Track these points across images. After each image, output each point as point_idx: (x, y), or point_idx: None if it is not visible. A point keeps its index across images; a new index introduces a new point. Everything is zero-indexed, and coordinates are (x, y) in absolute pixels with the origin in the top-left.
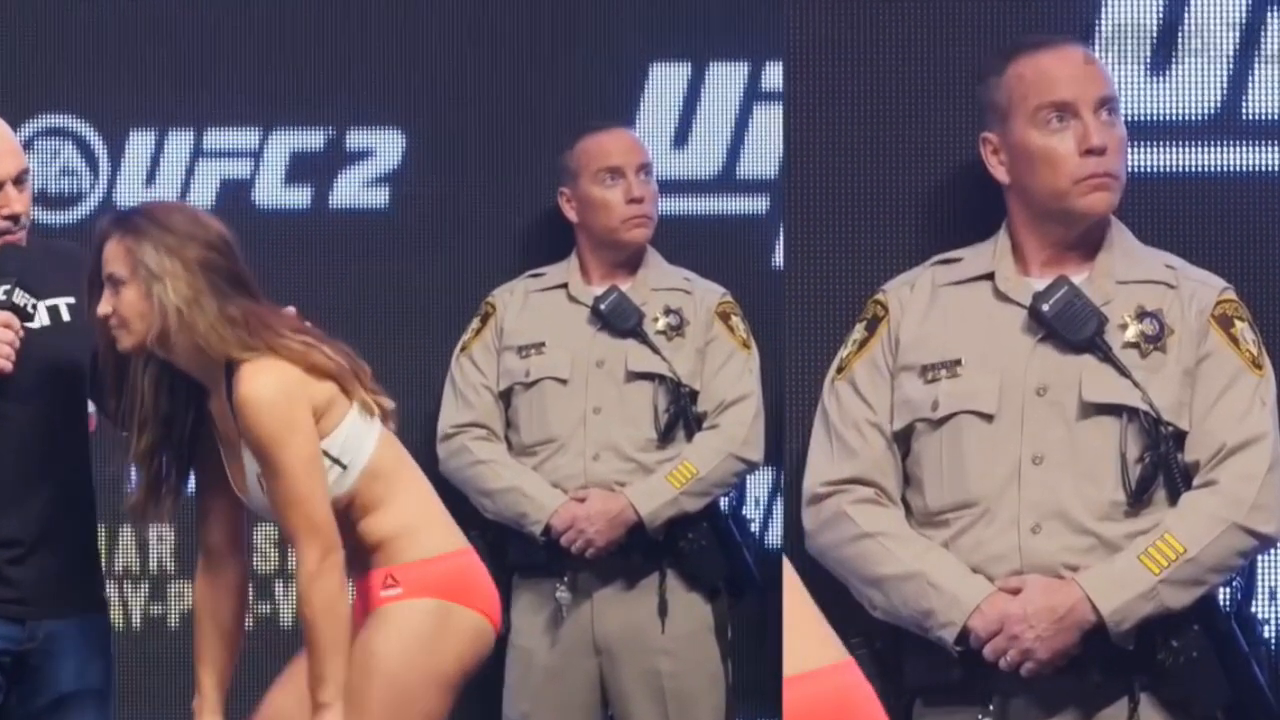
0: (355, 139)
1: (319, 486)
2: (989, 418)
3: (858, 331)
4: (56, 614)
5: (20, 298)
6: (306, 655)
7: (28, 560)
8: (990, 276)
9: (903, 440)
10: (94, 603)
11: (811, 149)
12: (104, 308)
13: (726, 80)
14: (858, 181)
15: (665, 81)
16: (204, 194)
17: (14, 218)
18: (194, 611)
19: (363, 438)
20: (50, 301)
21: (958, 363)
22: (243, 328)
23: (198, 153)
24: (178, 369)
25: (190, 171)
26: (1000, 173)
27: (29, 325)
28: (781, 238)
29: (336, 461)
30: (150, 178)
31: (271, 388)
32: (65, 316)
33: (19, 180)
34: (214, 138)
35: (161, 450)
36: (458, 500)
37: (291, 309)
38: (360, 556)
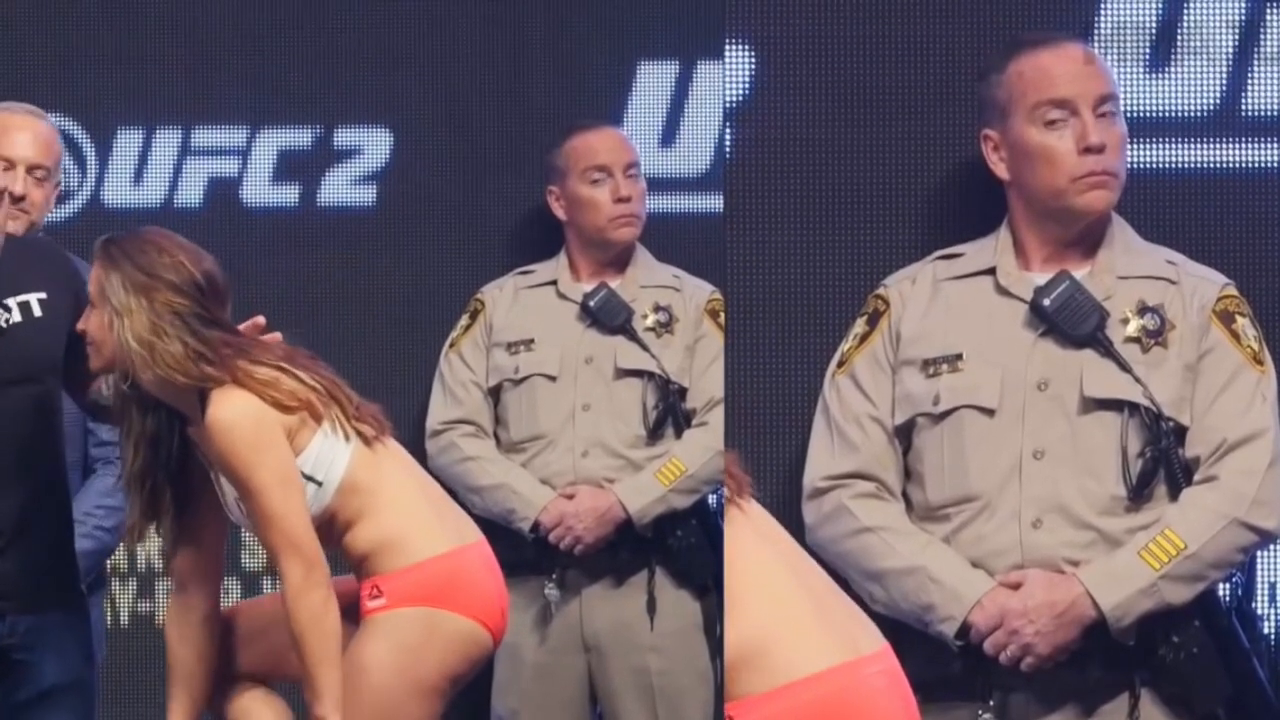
0: (343, 137)
1: (295, 504)
2: (990, 412)
3: (859, 326)
4: (36, 608)
5: None
6: (301, 670)
7: (5, 554)
8: (991, 271)
9: (904, 435)
10: (73, 594)
11: (808, 146)
12: (80, 324)
13: (714, 79)
14: (857, 178)
15: (653, 80)
16: (192, 192)
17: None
18: (165, 646)
19: (335, 455)
20: (21, 297)
21: (959, 357)
22: (208, 361)
23: (185, 151)
24: None
25: (178, 170)
26: (1000, 170)
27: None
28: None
29: (310, 479)
30: (138, 176)
31: (238, 411)
32: (36, 311)
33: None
34: (202, 136)
35: (153, 471)
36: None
37: (260, 319)
38: (351, 570)
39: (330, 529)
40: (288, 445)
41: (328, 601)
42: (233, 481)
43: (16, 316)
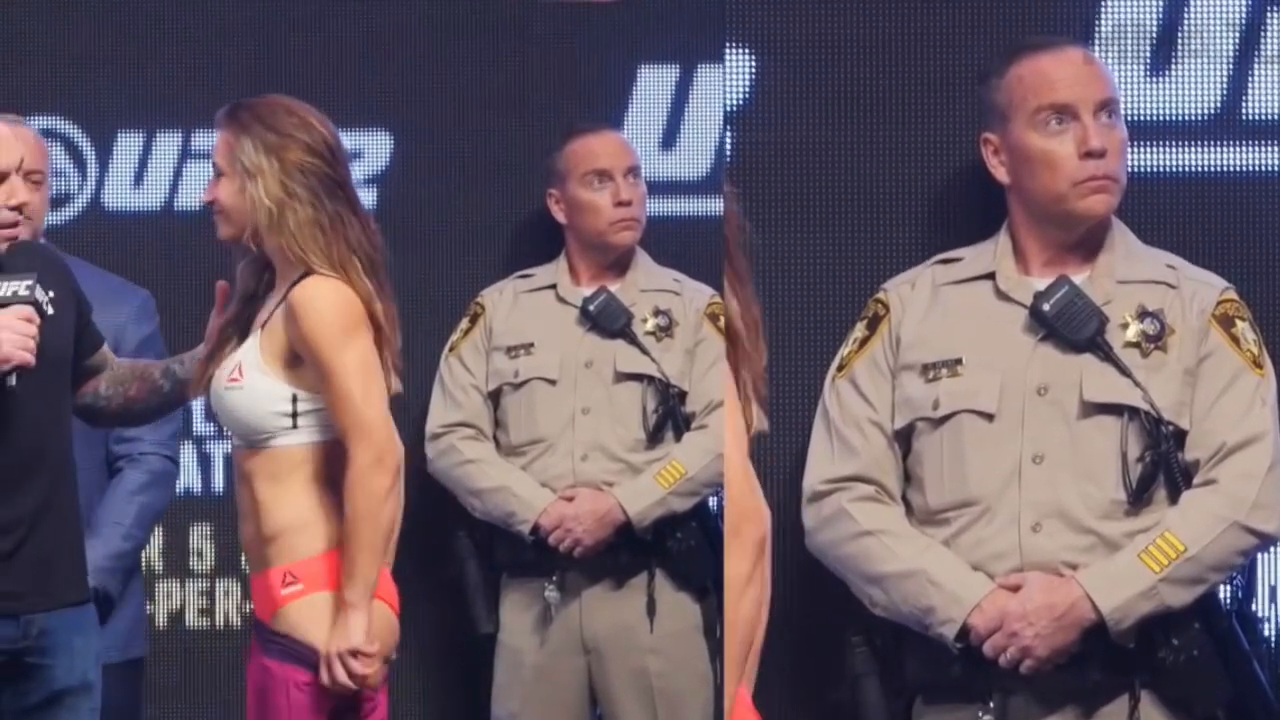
0: (344, 140)
1: (375, 393)
2: (990, 417)
3: (858, 330)
4: (49, 608)
5: (40, 294)
6: (342, 553)
7: (21, 552)
8: (991, 276)
9: (903, 439)
10: (82, 592)
11: (807, 150)
12: (207, 195)
13: (715, 82)
14: (857, 181)
15: (654, 83)
16: (192, 195)
17: (18, 208)
18: None
19: None
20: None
21: (958, 362)
22: (327, 243)
23: (186, 154)
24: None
25: (178, 173)
26: (1001, 174)
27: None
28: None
29: (295, 415)
30: (138, 179)
31: (338, 294)
32: (49, 310)
33: (28, 172)
34: (202, 139)
35: (233, 325)
36: (446, 499)
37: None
38: (257, 547)
39: (250, 476)
40: (372, 343)
41: (391, 493)
42: (315, 359)
43: None
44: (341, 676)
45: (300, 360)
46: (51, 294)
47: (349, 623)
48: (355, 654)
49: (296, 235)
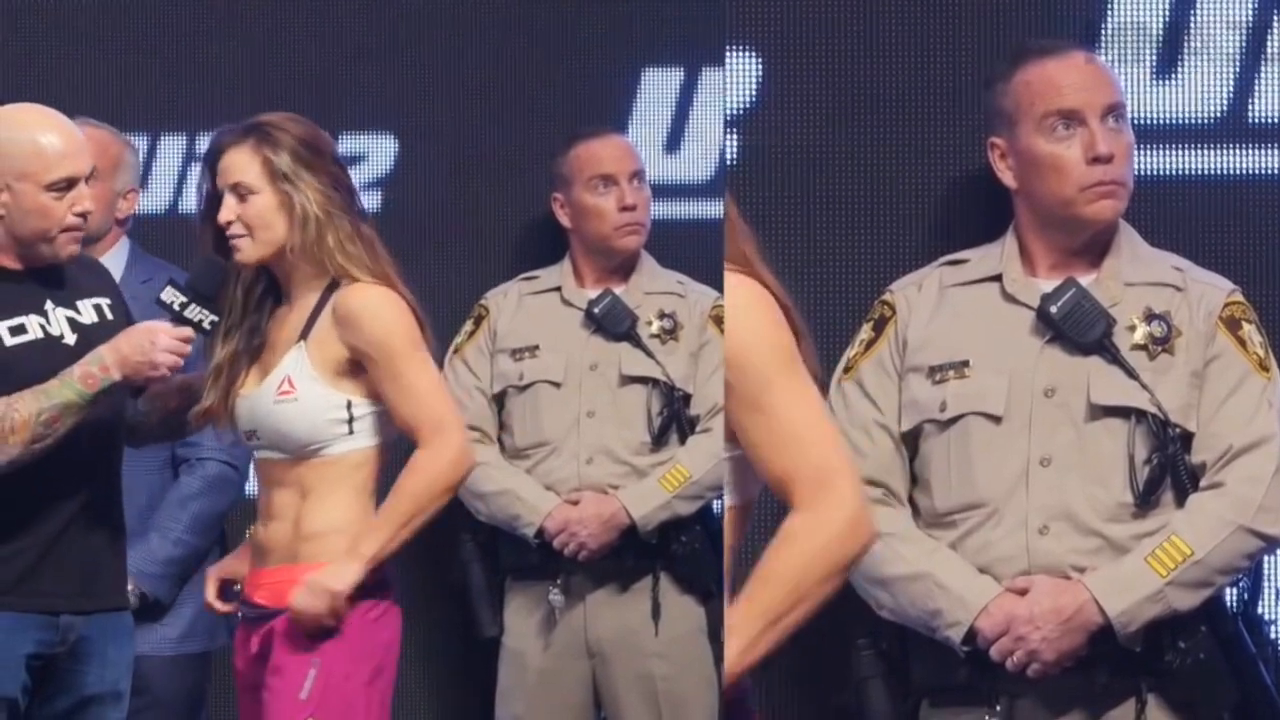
0: (347, 144)
1: (447, 392)
2: (997, 419)
3: (865, 331)
4: (90, 611)
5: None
6: (381, 512)
7: (67, 555)
8: (998, 278)
9: (910, 441)
10: (120, 600)
11: (811, 153)
12: (225, 215)
13: (719, 85)
14: (860, 184)
15: (657, 86)
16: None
17: (84, 214)
18: None
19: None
20: (94, 300)
21: (966, 364)
22: (370, 256)
23: (190, 157)
24: (274, 278)
25: (183, 176)
26: (1008, 178)
27: (82, 321)
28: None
29: (350, 421)
30: (143, 182)
31: (395, 299)
32: (108, 315)
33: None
34: (206, 142)
35: (243, 357)
36: (450, 502)
37: None
38: (288, 543)
39: (300, 483)
40: None
41: (453, 489)
42: (386, 362)
43: (93, 317)
44: (311, 605)
45: (355, 368)
46: (108, 301)
47: (348, 569)
48: (335, 597)
49: (337, 249)
